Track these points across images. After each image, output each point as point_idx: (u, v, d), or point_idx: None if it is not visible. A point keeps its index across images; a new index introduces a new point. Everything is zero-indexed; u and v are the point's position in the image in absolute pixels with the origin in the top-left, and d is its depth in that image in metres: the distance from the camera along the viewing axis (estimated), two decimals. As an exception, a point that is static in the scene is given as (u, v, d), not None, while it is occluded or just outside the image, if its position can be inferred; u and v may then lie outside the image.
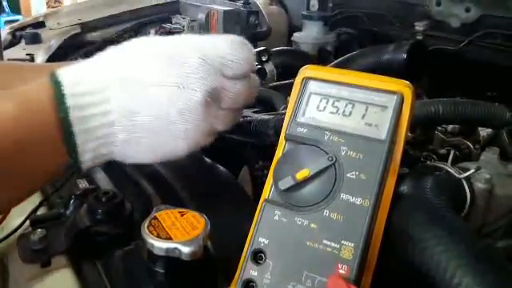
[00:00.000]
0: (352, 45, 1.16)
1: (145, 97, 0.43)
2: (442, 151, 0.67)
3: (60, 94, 0.41)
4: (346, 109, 0.42)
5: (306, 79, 0.44)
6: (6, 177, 0.39)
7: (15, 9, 4.34)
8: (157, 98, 0.43)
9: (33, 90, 0.42)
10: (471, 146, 0.67)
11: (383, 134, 0.40)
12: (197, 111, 0.44)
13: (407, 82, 0.42)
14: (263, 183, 0.43)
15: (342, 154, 0.40)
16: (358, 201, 0.39)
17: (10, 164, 0.39)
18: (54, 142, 0.41)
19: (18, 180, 0.41)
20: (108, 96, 0.42)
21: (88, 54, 0.47)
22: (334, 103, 0.43)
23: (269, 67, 0.90)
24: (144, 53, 0.45)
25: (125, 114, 0.42)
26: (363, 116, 0.41)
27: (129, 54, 0.45)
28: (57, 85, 0.41)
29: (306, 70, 0.45)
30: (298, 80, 0.45)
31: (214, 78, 0.45)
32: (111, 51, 0.46)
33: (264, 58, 0.89)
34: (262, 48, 0.86)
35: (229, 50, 0.46)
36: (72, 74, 0.43)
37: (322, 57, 1.14)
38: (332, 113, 0.42)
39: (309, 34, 1.17)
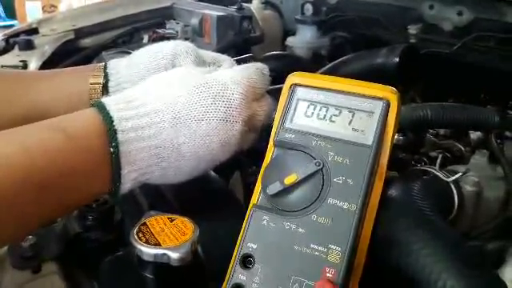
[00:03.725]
0: (346, 48, 1.15)
1: (191, 131, 0.45)
2: (434, 154, 0.67)
3: (111, 130, 0.42)
4: (333, 115, 0.43)
5: (294, 86, 0.45)
6: (47, 203, 0.40)
7: (10, 14, 4.33)
8: (202, 131, 0.45)
9: (83, 122, 0.43)
10: (463, 149, 0.68)
11: (369, 139, 0.40)
12: (236, 140, 0.47)
13: (393, 88, 0.42)
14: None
15: (330, 159, 0.41)
16: (345, 205, 0.39)
17: (54, 192, 0.40)
18: (99, 173, 0.42)
19: (58, 205, 0.42)
20: (157, 131, 0.44)
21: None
22: (321, 109, 0.43)
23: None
24: (188, 86, 0.46)
25: (171, 146, 0.44)
26: (350, 122, 0.42)
27: (174, 86, 0.46)
28: (107, 120, 0.42)
29: (294, 77, 0.45)
30: (285, 87, 0.45)
31: (249, 106, 0.48)
32: (154, 81, 0.48)
33: None
34: (248, 55, 0.86)
35: (257, 77, 0.50)
36: (121, 105, 0.44)
37: (315, 61, 1.14)
38: (319, 119, 0.43)
39: (302, 39, 1.17)
